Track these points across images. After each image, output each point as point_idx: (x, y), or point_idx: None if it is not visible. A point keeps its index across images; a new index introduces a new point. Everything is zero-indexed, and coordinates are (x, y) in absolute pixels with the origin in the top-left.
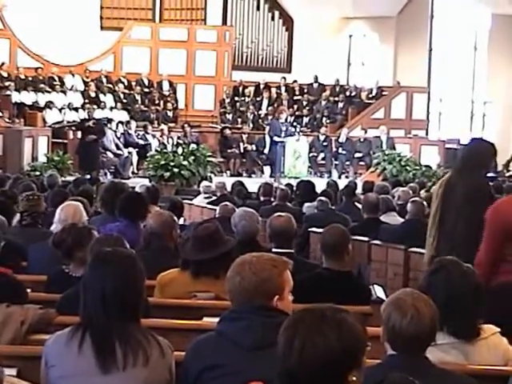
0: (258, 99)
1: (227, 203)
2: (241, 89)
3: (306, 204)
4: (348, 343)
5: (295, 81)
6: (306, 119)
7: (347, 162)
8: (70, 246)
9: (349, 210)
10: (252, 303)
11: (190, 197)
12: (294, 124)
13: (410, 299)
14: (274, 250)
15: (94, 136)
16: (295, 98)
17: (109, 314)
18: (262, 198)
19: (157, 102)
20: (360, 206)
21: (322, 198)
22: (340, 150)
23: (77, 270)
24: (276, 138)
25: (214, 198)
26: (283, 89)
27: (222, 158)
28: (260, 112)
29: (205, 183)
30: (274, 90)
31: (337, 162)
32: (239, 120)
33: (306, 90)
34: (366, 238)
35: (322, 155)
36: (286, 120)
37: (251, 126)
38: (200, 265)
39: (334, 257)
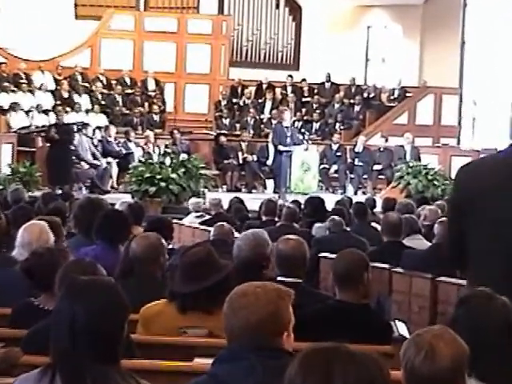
0: (260, 101)
1: (223, 223)
2: (240, 89)
3: (316, 225)
4: (382, 370)
5: (304, 80)
6: (316, 125)
7: (364, 176)
8: (41, 274)
9: (364, 232)
10: (255, 342)
11: (179, 216)
12: (302, 131)
13: (430, 336)
14: (279, 278)
15: (57, 136)
16: (304, 99)
17: (82, 353)
18: (264, 218)
19: (141, 103)
20: (379, 227)
21: (335, 218)
22: (356, 162)
23: (48, 302)
24: (281, 147)
25: (208, 217)
26: (289, 89)
27: (217, 171)
28: (262, 116)
29: (195, 200)
30: (278, 91)
31: (352, 176)
32: (238, 125)
33: (316, 91)
34: (386, 265)
35: (334, 167)
36: (293, 125)
37: (252, 132)
38: (190, 296)
39: (348, 287)
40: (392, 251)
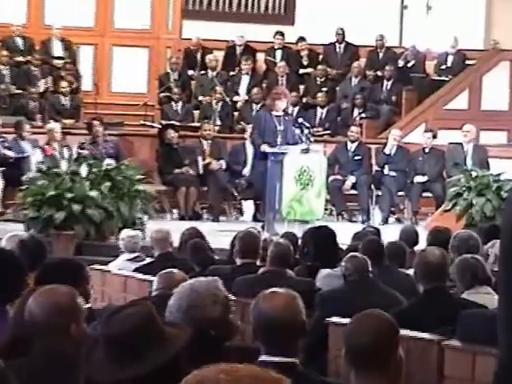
0: (233, 74)
1: (173, 270)
2: (199, 55)
3: (323, 271)
4: None
5: (301, 39)
6: (322, 111)
7: (400, 193)
8: None
9: (398, 281)
10: None
11: (103, 258)
12: (300, 121)
13: None
14: (262, 358)
15: None
16: (302, 71)
17: None
18: (239, 261)
19: (41, 78)
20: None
21: (356, 256)
22: (386, 170)
23: None
24: (266, 148)
25: (149, 260)
26: (279, 54)
27: (163, 186)
28: (236, 98)
29: (128, 233)
30: (261, 57)
31: (380, 193)
32: (196, 113)
33: (321, 57)
34: (434, 336)
35: (352, 179)
36: (287, 114)
37: (219, 123)
38: None
39: (370, 370)
40: (431, 304)
